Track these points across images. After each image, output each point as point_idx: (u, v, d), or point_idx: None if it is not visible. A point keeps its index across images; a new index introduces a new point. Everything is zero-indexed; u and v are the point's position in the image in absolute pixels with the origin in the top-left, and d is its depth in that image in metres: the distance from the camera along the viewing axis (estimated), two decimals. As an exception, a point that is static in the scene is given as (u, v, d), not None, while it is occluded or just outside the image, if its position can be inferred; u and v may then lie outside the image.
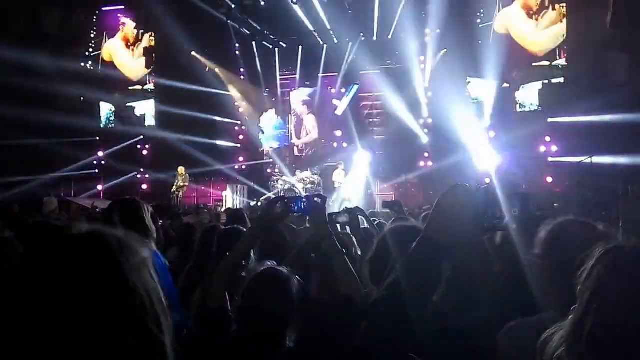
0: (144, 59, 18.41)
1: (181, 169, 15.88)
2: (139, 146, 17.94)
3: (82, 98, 18.46)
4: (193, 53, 18.15)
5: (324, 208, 2.46)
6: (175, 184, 15.82)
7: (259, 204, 14.76)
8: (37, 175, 15.26)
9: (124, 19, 18.35)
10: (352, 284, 2.20)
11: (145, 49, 18.41)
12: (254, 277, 2.07)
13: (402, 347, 1.17)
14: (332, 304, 2.24)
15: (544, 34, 15.35)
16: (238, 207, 13.88)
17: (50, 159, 16.22)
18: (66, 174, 16.29)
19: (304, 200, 2.41)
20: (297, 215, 2.70)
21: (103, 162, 17.67)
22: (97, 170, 17.44)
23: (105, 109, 18.87)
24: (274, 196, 10.84)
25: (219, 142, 18.19)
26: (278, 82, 19.07)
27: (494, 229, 1.36)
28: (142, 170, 17.72)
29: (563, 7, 14.94)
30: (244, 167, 18.69)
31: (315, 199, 2.43)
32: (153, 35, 18.19)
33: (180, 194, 15.82)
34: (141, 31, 18.32)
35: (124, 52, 18.49)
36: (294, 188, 16.49)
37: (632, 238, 2.21)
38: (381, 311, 1.17)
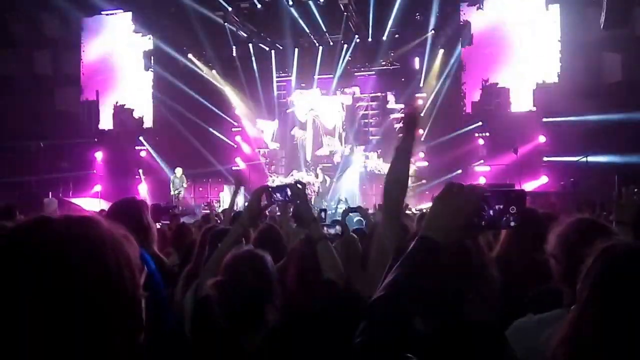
0: (142, 61, 18.42)
1: (179, 170, 15.98)
2: (137, 147, 17.95)
3: (81, 100, 18.49)
4: (190, 55, 18.19)
5: (304, 194, 2.55)
6: (173, 185, 15.88)
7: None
8: (37, 176, 15.25)
9: (122, 22, 18.35)
10: (334, 270, 2.18)
11: (144, 52, 18.44)
12: (231, 257, 2.13)
13: (400, 347, 1.15)
14: (315, 289, 2.20)
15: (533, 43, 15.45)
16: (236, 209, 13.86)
17: (49, 160, 16.20)
18: (65, 175, 16.27)
19: (286, 188, 2.51)
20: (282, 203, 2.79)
21: (102, 163, 17.67)
22: (96, 171, 17.43)
23: (105, 110, 18.85)
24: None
25: (216, 143, 18.20)
26: (275, 84, 19.07)
27: (490, 228, 1.35)
28: (140, 171, 17.72)
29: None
30: (241, 167, 18.69)
31: (298, 185, 2.53)
32: (151, 38, 18.21)
33: (179, 194, 15.87)
34: (139, 34, 18.32)
35: (123, 55, 18.51)
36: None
37: (627, 238, 2.26)
38: (380, 311, 1.15)
